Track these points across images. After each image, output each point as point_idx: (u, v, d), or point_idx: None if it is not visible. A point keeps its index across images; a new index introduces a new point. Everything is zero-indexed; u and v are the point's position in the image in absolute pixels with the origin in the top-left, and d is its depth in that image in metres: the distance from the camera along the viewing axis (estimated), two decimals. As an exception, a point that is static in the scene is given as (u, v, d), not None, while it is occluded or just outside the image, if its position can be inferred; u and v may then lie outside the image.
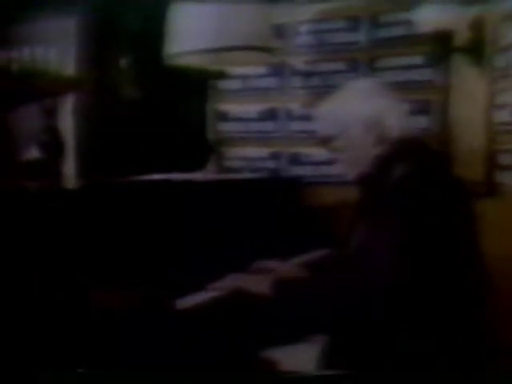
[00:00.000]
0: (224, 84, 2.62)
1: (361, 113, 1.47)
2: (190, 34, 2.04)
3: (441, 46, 2.20)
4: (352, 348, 1.34)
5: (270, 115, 2.64)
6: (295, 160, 2.59)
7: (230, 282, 1.55)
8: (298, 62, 2.57)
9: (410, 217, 1.28)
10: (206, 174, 2.27)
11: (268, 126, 2.65)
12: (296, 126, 2.57)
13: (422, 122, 2.29)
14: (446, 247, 1.30)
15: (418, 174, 1.36)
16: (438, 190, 1.34)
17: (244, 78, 2.67)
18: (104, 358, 1.35)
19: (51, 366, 1.37)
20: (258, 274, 1.62)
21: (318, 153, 2.41)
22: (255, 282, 1.50)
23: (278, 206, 2.20)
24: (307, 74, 2.55)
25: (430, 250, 1.28)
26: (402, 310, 1.28)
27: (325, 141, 1.56)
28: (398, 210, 1.30)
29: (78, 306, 1.41)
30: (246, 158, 2.68)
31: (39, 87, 2.41)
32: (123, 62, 2.68)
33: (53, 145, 2.38)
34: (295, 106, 2.57)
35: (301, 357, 1.48)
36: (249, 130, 2.69)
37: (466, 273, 1.34)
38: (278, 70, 2.61)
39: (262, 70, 2.62)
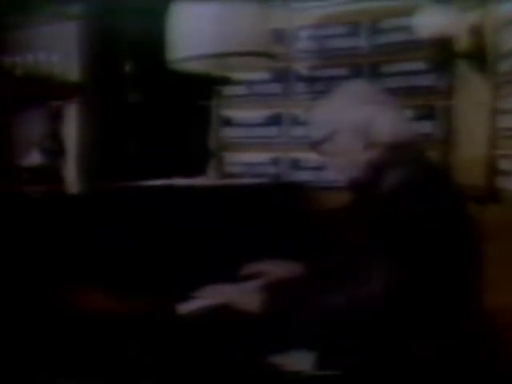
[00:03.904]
0: (226, 89, 2.62)
1: (349, 118, 1.45)
2: (190, 39, 2.05)
3: (443, 52, 2.20)
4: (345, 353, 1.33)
5: (273, 120, 2.63)
6: (296, 165, 2.58)
7: (219, 297, 1.50)
8: (301, 68, 2.57)
9: (403, 224, 1.26)
10: (207, 180, 2.27)
11: (270, 131, 2.64)
12: (298, 131, 2.57)
13: (425, 128, 2.29)
14: (442, 255, 1.28)
15: (411, 180, 1.34)
16: (430, 195, 1.31)
17: (247, 83, 2.67)
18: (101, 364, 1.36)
19: (52, 371, 1.38)
20: (249, 283, 1.60)
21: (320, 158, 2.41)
22: (244, 300, 1.44)
23: (279, 211, 2.20)
24: (310, 80, 2.55)
25: (425, 259, 1.26)
26: (398, 319, 1.27)
27: (314, 145, 1.55)
28: (391, 216, 1.28)
29: (78, 311, 1.42)
30: (247, 163, 2.68)
31: (42, 92, 2.42)
32: (126, 67, 2.69)
33: (55, 150, 2.39)
34: (297, 112, 2.56)
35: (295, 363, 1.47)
36: (250, 136, 2.68)
37: (463, 280, 1.33)
38: (279, 76, 2.61)
39: (264, 75, 2.62)
